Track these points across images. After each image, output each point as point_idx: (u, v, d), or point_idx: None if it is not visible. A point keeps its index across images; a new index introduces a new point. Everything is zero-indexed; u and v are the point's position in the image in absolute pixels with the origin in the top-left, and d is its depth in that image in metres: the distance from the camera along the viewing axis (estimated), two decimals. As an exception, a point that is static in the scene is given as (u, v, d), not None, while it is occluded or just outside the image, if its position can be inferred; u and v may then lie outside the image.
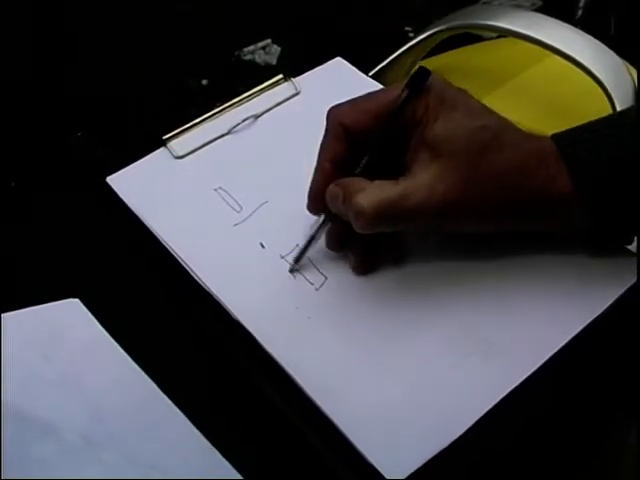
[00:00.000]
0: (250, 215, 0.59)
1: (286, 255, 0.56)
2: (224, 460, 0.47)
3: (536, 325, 0.52)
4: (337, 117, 0.54)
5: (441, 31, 0.72)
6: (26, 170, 0.65)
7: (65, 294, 0.54)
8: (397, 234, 0.55)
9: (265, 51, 0.76)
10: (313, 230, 0.55)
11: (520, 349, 0.51)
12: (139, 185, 0.61)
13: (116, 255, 0.59)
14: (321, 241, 0.56)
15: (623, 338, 0.52)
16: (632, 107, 0.57)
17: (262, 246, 0.57)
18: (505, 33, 0.69)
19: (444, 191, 0.49)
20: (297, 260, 0.56)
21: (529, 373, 0.50)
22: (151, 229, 0.58)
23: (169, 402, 0.49)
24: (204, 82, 0.73)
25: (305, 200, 0.56)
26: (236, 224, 0.59)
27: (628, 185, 0.50)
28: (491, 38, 0.79)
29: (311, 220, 0.56)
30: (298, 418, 0.51)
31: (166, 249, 0.57)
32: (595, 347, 0.52)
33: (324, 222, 0.55)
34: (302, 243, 0.56)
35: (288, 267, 0.56)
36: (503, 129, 0.51)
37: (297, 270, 0.56)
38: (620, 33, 0.80)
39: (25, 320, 0.52)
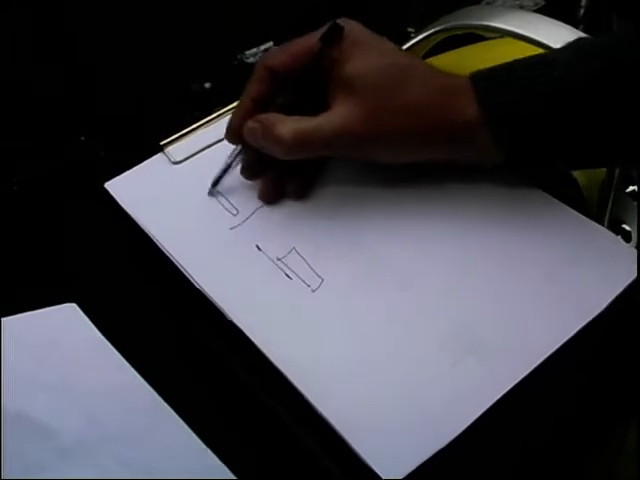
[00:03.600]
0: (246, 219, 0.59)
1: (282, 257, 0.57)
2: (221, 463, 0.47)
3: (534, 325, 0.52)
4: (263, 59, 0.59)
5: (441, 31, 0.72)
6: (27, 175, 0.66)
7: (62, 299, 0.54)
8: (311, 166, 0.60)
9: (267, 54, 0.76)
10: (229, 159, 0.60)
11: (517, 349, 0.51)
12: (137, 190, 0.62)
13: (113, 260, 0.60)
14: (319, 245, 0.57)
15: (623, 337, 0.52)
16: (552, 51, 0.59)
17: (258, 249, 0.57)
18: (503, 33, 0.69)
19: (356, 121, 0.54)
20: (214, 184, 0.60)
21: (527, 373, 0.50)
22: (148, 233, 0.59)
23: (166, 406, 0.50)
24: (207, 85, 0.73)
25: (303, 203, 0.59)
26: (232, 227, 0.59)
27: (535, 117, 0.52)
28: (493, 38, 0.79)
29: (307, 223, 0.58)
30: (294, 419, 0.51)
31: (163, 253, 0.58)
32: (595, 347, 0.52)
33: (240, 152, 0.60)
34: (220, 170, 0.60)
35: (284, 269, 0.56)
36: (414, 66, 0.56)
37: (214, 195, 0.61)
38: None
39: (22, 325, 0.52)
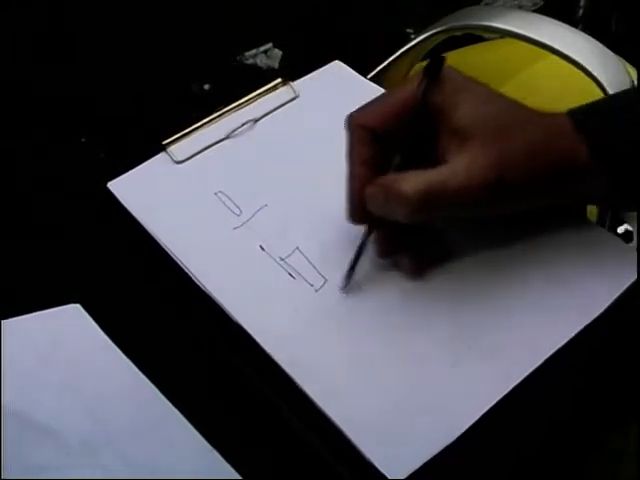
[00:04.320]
0: (250, 218, 0.59)
1: (286, 257, 0.57)
2: (225, 462, 0.47)
3: (534, 326, 0.52)
4: (358, 121, 0.54)
5: (441, 32, 0.73)
6: (29, 175, 0.65)
7: (66, 299, 0.54)
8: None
9: (267, 55, 0.76)
10: (360, 242, 0.55)
11: (518, 350, 0.51)
12: (140, 190, 0.61)
13: (117, 260, 0.60)
14: (322, 245, 0.57)
15: (624, 338, 0.52)
16: None
17: (262, 249, 0.58)
18: (503, 34, 0.69)
19: (481, 172, 0.50)
20: (348, 277, 0.55)
21: (527, 374, 0.50)
22: (152, 234, 0.59)
23: (170, 406, 0.49)
24: (206, 86, 0.73)
25: (306, 203, 0.58)
26: (236, 227, 0.59)
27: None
28: (493, 38, 0.79)
29: (310, 223, 0.58)
30: (298, 418, 0.51)
31: (167, 253, 0.58)
32: (595, 348, 0.52)
33: (369, 232, 0.54)
34: (350, 260, 0.55)
35: (288, 269, 0.56)
36: (519, 109, 0.53)
37: (346, 288, 0.55)
38: (621, 31, 0.80)
39: (26, 326, 0.52)
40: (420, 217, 0.51)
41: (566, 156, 0.51)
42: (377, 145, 0.53)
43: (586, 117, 0.52)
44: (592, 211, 0.61)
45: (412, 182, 0.50)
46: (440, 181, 0.50)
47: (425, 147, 0.53)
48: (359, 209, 0.53)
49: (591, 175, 0.51)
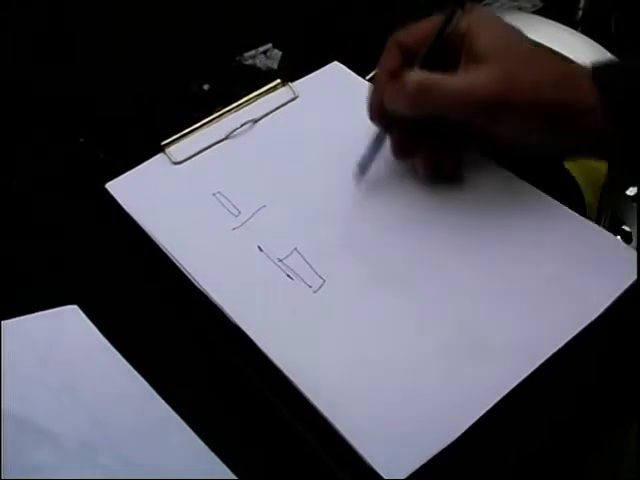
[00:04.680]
0: (248, 219, 0.59)
1: (284, 258, 0.57)
2: (223, 465, 0.47)
3: (534, 326, 0.52)
4: (395, 37, 0.59)
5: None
6: (28, 176, 0.65)
7: (64, 300, 0.54)
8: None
9: (266, 55, 0.76)
10: (375, 140, 0.60)
11: (518, 350, 0.51)
12: (138, 191, 0.62)
13: (115, 261, 0.60)
14: (321, 246, 0.57)
15: (623, 338, 0.52)
16: None
17: (260, 249, 0.58)
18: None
19: (484, 86, 0.54)
20: (362, 168, 0.60)
21: (527, 374, 0.50)
22: (150, 234, 0.59)
23: (168, 408, 0.49)
24: (206, 87, 0.73)
25: (305, 204, 0.59)
26: (234, 228, 0.59)
27: None
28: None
29: (308, 224, 0.58)
30: (296, 420, 0.51)
31: (165, 254, 0.58)
32: (595, 348, 0.52)
33: (384, 132, 0.59)
34: (365, 152, 0.60)
35: (286, 270, 0.56)
36: (538, 48, 0.57)
37: (361, 175, 0.60)
38: (620, 33, 0.79)
39: (25, 327, 0.52)
40: (418, 110, 0.56)
41: (576, 97, 0.54)
42: (404, 61, 0.58)
43: (605, 70, 0.55)
44: (592, 211, 0.61)
45: (416, 75, 0.55)
46: (442, 81, 0.55)
47: (446, 70, 0.56)
48: (378, 109, 0.58)
49: (598, 120, 0.53)
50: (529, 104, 0.54)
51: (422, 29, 0.58)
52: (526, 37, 0.56)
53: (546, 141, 0.56)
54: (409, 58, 0.58)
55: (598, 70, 0.54)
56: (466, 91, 0.54)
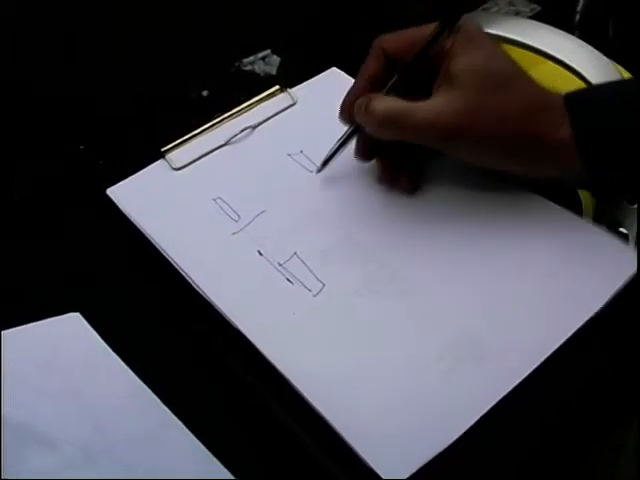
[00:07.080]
0: (248, 224, 0.60)
1: (284, 263, 0.57)
2: (225, 470, 0.47)
3: (533, 326, 0.53)
4: (380, 42, 0.59)
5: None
6: (29, 184, 0.66)
7: (65, 306, 0.54)
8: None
9: (265, 61, 0.76)
10: (342, 138, 0.61)
11: (517, 350, 0.51)
12: (139, 197, 0.62)
13: (117, 268, 0.60)
14: (320, 251, 0.57)
15: (622, 337, 0.53)
16: None
17: (260, 254, 0.58)
18: (500, 40, 0.70)
19: (449, 114, 0.54)
20: (325, 163, 0.61)
21: (527, 373, 0.50)
22: (151, 240, 0.59)
23: (170, 413, 0.49)
24: (204, 93, 0.73)
25: (304, 208, 0.59)
26: (234, 233, 0.59)
27: (628, 141, 0.52)
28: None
29: (308, 228, 0.59)
30: (296, 422, 0.51)
31: (166, 260, 0.58)
32: (594, 345, 0.52)
33: (352, 132, 0.60)
34: (331, 149, 0.61)
35: (286, 274, 0.56)
36: (517, 76, 0.55)
37: (320, 171, 0.62)
38: (618, 37, 0.80)
39: (26, 336, 0.52)
40: (385, 134, 0.56)
41: (545, 130, 0.53)
42: (386, 66, 0.58)
43: (579, 98, 0.54)
44: (589, 211, 0.61)
45: (385, 102, 0.56)
46: (407, 111, 0.55)
47: (425, 83, 0.57)
48: (348, 111, 0.59)
49: (569, 153, 0.53)
50: (495, 136, 0.54)
51: (408, 38, 0.58)
52: (511, 61, 0.56)
53: (515, 170, 0.56)
54: (391, 63, 0.58)
55: (571, 100, 0.54)
56: (431, 121, 0.54)
